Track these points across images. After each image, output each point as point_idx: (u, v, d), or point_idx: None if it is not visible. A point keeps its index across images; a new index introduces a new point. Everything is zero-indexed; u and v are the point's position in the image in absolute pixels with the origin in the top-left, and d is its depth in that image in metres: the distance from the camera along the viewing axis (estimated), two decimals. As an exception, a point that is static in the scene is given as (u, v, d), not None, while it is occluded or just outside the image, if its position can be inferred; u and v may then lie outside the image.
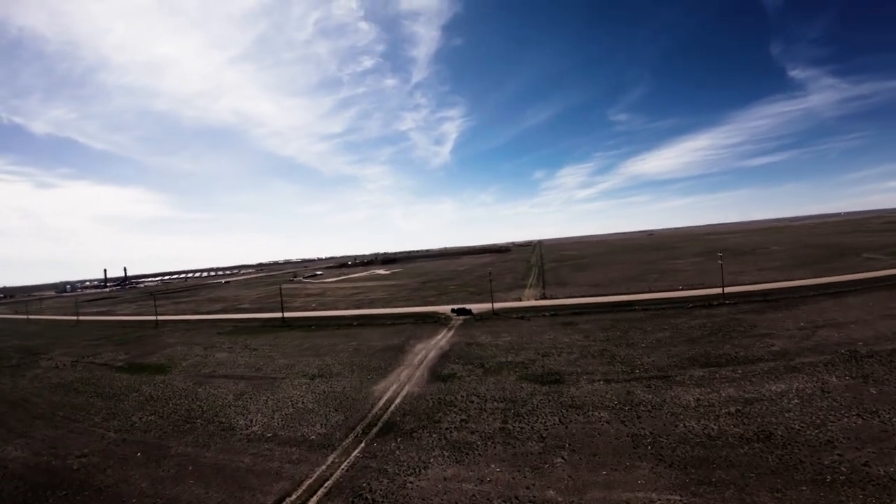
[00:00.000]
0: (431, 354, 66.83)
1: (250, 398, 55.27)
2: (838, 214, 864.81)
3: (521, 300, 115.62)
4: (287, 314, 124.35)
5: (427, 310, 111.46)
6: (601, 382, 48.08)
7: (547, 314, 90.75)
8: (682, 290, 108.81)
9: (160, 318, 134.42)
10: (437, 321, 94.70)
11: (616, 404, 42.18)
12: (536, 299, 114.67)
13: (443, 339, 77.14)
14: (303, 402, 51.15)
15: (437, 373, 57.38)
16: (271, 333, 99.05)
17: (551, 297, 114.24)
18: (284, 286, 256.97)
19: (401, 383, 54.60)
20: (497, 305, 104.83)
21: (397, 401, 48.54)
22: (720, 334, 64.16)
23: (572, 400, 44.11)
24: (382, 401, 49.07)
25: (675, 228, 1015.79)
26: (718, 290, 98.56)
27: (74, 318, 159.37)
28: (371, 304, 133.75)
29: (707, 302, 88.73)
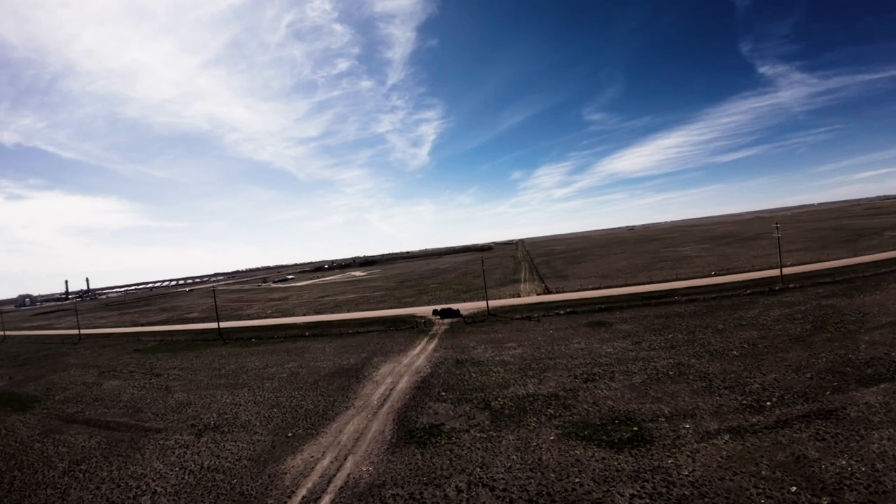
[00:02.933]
0: (402, 383, 42.33)
1: (84, 474, 31.27)
2: (811, 205, 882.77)
3: (519, 296, 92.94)
4: (233, 323, 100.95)
5: (403, 312, 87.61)
6: (726, 436, 24.63)
7: (561, 312, 68.05)
8: (714, 275, 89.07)
9: (87, 331, 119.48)
10: (415, 327, 70.95)
11: (794, 493, 19.10)
12: (539, 294, 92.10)
13: (421, 354, 53.07)
14: (153, 495, 26.71)
15: (410, 423, 32.96)
16: (196, 350, 74.90)
17: (557, 291, 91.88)
18: (245, 291, 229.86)
19: (341, 451, 29.52)
20: (492, 304, 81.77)
21: (325, 501, 23.52)
22: (831, 328, 43.06)
23: (700, 493, 20.31)
24: (297, 499, 24.11)
25: (654, 224, 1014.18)
26: (767, 273, 79.85)
27: (1, 333, 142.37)
28: (335, 309, 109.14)
29: (766, 287, 68.65)
